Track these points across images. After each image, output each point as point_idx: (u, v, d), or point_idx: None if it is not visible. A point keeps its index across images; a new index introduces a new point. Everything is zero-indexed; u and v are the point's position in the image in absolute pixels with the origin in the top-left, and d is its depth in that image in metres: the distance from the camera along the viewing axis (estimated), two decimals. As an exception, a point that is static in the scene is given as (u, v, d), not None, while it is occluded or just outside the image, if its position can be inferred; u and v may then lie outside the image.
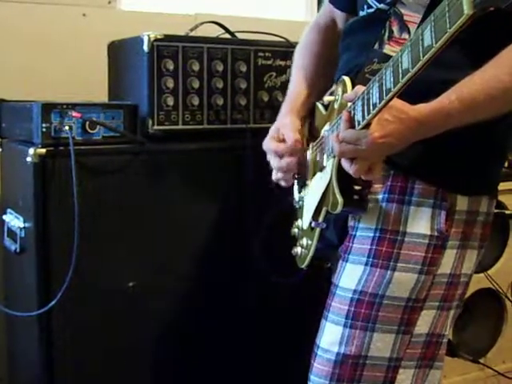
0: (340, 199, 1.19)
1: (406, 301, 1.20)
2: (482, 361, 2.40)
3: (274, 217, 1.69)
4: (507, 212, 2.29)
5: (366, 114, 1.07)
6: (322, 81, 1.49)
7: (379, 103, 1.02)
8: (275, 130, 1.44)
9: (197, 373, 1.81)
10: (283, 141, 1.40)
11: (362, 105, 1.09)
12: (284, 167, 1.40)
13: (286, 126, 1.41)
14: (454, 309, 1.27)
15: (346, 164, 1.13)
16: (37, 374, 1.65)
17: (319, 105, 1.44)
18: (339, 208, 1.19)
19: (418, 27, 1.15)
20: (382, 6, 1.26)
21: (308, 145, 1.43)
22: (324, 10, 1.56)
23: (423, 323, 1.23)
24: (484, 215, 1.25)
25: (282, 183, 1.47)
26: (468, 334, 2.36)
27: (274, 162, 1.43)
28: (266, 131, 1.84)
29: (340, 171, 1.21)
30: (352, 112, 1.12)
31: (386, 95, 1.00)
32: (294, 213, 1.52)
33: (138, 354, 1.72)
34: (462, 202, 1.21)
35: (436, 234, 1.19)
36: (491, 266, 2.38)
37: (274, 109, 1.86)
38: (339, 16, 1.50)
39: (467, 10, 0.80)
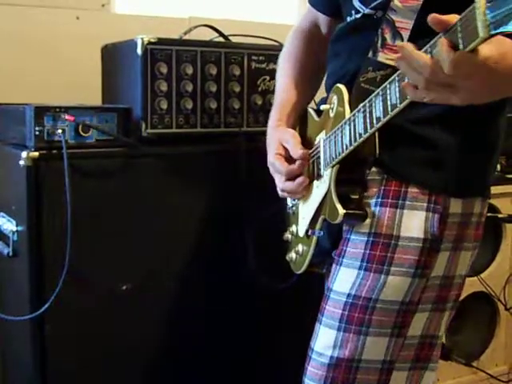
0: (341, 210, 1.19)
1: (400, 304, 1.20)
2: (474, 364, 2.41)
3: (265, 221, 1.69)
4: (500, 215, 2.30)
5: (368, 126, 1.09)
6: (308, 87, 1.49)
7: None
8: (277, 146, 1.39)
9: (192, 375, 1.81)
10: (289, 157, 1.36)
11: (364, 117, 1.10)
12: (298, 187, 1.36)
13: (288, 140, 1.36)
14: (448, 310, 1.27)
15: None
16: (30, 377, 1.64)
17: (311, 111, 1.43)
18: (339, 219, 1.20)
19: (410, 34, 1.16)
20: (367, 11, 1.26)
21: None
22: (306, 14, 1.55)
23: (416, 325, 1.23)
24: (477, 216, 1.26)
25: (289, 197, 1.47)
26: (461, 337, 2.37)
27: (287, 183, 1.37)
28: (259, 134, 1.85)
29: (338, 181, 1.22)
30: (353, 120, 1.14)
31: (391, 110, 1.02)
32: (287, 218, 1.52)
33: (132, 357, 1.72)
34: (455, 205, 1.21)
35: (430, 237, 1.19)
36: (484, 269, 2.39)
37: (267, 112, 1.85)
38: (322, 20, 1.50)
39: (482, 33, 0.81)
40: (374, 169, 1.22)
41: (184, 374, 1.81)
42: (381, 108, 1.07)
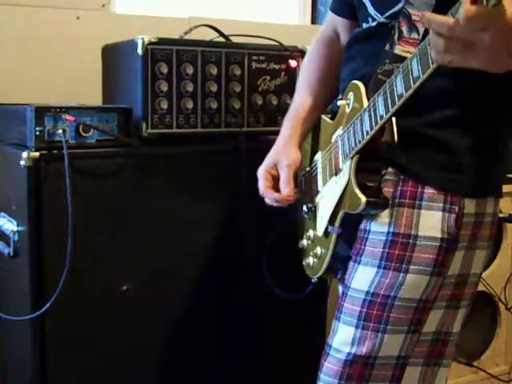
0: (363, 198, 1.20)
1: (418, 302, 1.22)
2: (475, 364, 2.41)
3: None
4: (501, 215, 2.30)
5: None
6: (326, 94, 1.51)
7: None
8: (272, 165, 1.46)
9: (191, 376, 1.81)
10: (278, 180, 1.45)
11: (385, 99, 1.12)
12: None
13: (283, 167, 1.44)
14: (463, 307, 1.30)
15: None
16: (30, 377, 1.64)
17: (325, 117, 1.46)
18: (361, 207, 1.21)
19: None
20: (382, 20, 1.28)
21: (312, 157, 1.46)
22: (327, 22, 1.58)
23: (431, 322, 1.25)
24: (491, 216, 1.28)
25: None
26: (462, 336, 2.36)
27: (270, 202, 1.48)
28: (260, 134, 1.86)
29: (358, 171, 1.23)
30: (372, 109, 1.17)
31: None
32: (302, 225, 1.52)
33: (132, 357, 1.72)
34: (470, 205, 1.23)
35: (447, 236, 1.21)
36: (485, 269, 2.39)
37: (268, 112, 1.88)
38: (341, 25, 1.52)
39: None
40: (390, 169, 1.24)
41: (184, 373, 1.81)
42: (402, 84, 1.09)
